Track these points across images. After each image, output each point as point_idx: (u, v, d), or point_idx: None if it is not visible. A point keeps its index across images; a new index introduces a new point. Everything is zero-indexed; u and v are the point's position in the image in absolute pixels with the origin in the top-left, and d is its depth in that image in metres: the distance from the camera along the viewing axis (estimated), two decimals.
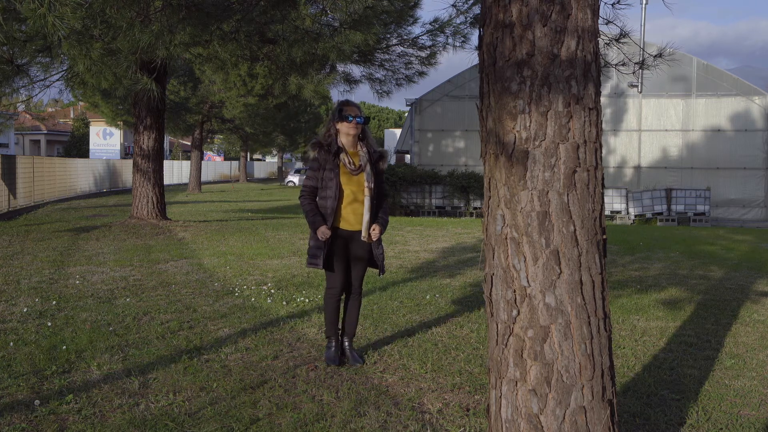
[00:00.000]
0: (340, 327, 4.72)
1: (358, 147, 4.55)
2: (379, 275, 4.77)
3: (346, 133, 4.50)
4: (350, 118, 4.46)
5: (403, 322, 5.82)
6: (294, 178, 47.99)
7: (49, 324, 5.50)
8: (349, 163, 4.47)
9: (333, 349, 4.64)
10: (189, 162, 39.47)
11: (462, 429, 3.57)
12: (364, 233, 4.48)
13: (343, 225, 4.52)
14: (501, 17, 2.56)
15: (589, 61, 2.55)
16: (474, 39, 12.93)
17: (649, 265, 9.42)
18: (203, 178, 41.75)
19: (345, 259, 4.58)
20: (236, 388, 4.06)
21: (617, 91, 22.22)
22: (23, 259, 9.07)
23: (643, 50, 5.26)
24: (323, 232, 4.41)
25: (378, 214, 4.58)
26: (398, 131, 42.20)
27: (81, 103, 40.63)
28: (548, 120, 2.52)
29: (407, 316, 6.01)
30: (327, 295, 4.64)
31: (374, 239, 4.54)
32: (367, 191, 4.47)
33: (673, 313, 6.33)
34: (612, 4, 4.40)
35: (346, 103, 4.57)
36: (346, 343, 4.69)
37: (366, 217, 4.47)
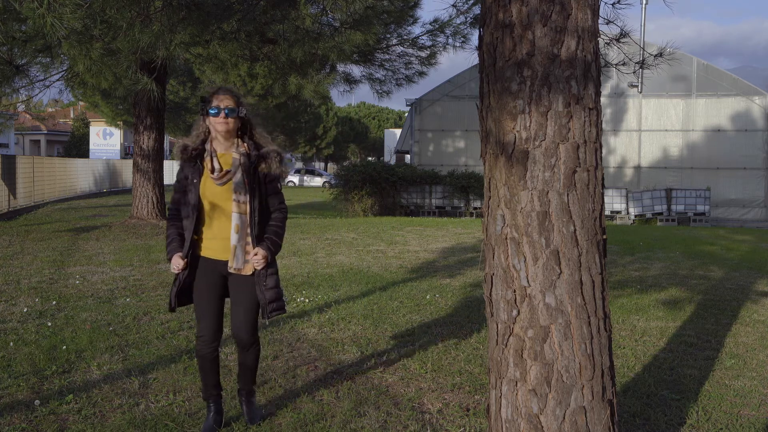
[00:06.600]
0: (221, 386, 3.63)
1: (236, 146, 3.44)
2: (262, 318, 3.46)
3: (214, 129, 3.41)
4: (215, 111, 3.34)
5: (403, 322, 5.81)
6: (294, 178, 48.02)
7: (49, 324, 5.50)
8: (217, 169, 3.37)
9: (211, 414, 3.50)
10: None
11: (462, 429, 3.57)
12: (231, 263, 3.37)
13: (206, 252, 3.43)
14: (501, 17, 2.56)
15: (589, 61, 2.55)
16: (474, 39, 12.95)
17: (649, 265, 9.41)
18: None
19: (213, 299, 3.45)
20: (236, 388, 4.06)
21: (617, 91, 22.22)
22: (23, 259, 9.07)
23: (644, 50, 5.25)
24: (174, 263, 3.38)
25: (264, 236, 3.44)
26: (398, 131, 42.22)
27: (81, 103, 40.61)
28: (548, 120, 2.52)
29: (407, 316, 6.01)
30: (196, 347, 3.49)
31: (256, 269, 3.39)
32: (234, 205, 3.36)
33: (673, 313, 6.33)
34: (612, 4, 4.39)
35: (214, 91, 3.42)
36: (243, 398, 3.66)
37: (233, 240, 3.36)
